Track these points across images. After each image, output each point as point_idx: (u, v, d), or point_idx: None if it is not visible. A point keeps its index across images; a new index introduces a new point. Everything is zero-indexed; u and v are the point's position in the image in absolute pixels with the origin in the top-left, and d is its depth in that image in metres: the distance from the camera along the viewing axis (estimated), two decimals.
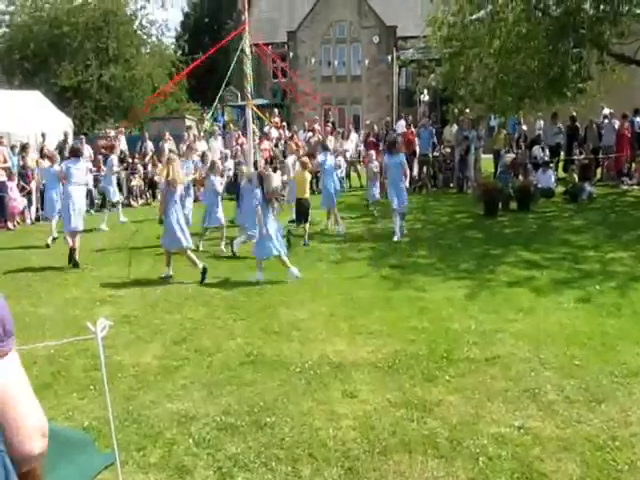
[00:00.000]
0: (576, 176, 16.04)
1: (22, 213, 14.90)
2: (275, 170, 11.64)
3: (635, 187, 16.56)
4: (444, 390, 4.89)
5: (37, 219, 15.04)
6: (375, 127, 19.82)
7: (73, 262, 9.80)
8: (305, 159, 11.68)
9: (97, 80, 30.01)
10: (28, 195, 15.06)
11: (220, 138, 18.45)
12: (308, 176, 11.41)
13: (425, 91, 29.32)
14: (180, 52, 35.27)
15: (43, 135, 17.54)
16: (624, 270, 8.52)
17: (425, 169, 18.04)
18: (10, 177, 14.54)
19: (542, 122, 19.77)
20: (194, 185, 12.78)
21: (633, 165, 17.70)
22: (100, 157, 17.33)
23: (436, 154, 18.20)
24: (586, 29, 14.54)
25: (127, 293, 8.20)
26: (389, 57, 35.89)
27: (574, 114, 18.20)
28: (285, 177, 12.16)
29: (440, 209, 14.90)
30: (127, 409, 4.71)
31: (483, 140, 17.79)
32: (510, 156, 16.03)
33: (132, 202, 17.82)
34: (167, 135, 18.80)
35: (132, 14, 32.55)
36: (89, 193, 16.21)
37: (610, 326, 6.26)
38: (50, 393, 4.96)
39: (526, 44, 14.95)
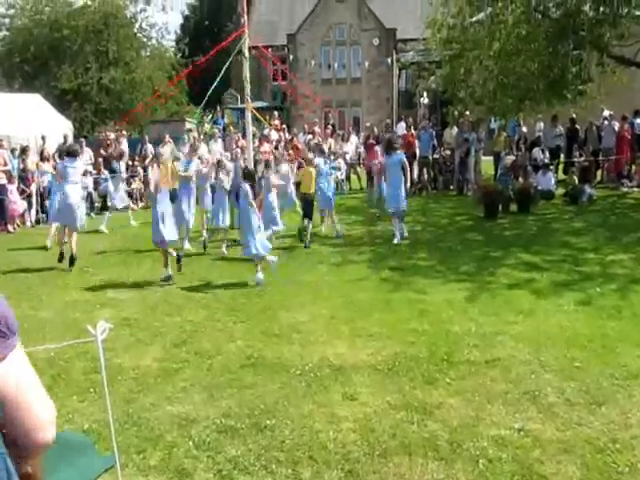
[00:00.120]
0: (576, 178, 16.04)
1: (22, 216, 14.89)
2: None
3: (635, 189, 16.54)
4: (444, 392, 4.89)
5: (37, 222, 15.03)
6: (375, 129, 19.82)
7: (66, 259, 9.80)
8: (310, 155, 11.71)
9: (97, 83, 30.03)
10: (28, 198, 15.05)
11: (220, 141, 18.42)
12: (313, 171, 11.44)
13: (425, 94, 29.36)
14: (180, 55, 35.29)
15: (43, 138, 17.53)
16: (624, 272, 8.52)
17: (425, 171, 18.03)
18: (10, 180, 14.54)
19: (542, 124, 19.77)
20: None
21: (633, 167, 17.68)
22: (101, 160, 17.33)
23: (436, 156, 18.19)
24: (586, 31, 14.56)
25: (127, 296, 8.19)
26: (389, 59, 35.91)
27: (574, 116, 18.21)
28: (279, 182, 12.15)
29: (440, 211, 14.90)
30: (127, 412, 4.71)
31: (483, 142, 17.77)
32: (510, 158, 16.04)
33: (132, 205, 17.80)
34: (167, 138, 18.81)
35: (132, 17, 32.58)
36: (89, 196, 16.24)
37: (610, 328, 6.26)
38: (50, 396, 4.92)
39: (526, 46, 14.96)
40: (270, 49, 28.58)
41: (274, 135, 19.31)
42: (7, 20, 31.34)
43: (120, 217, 14.26)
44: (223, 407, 4.76)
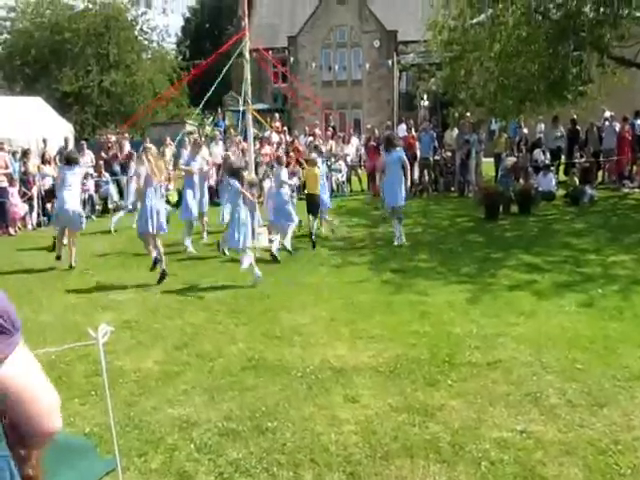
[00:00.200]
0: (577, 179, 16.05)
1: (23, 219, 14.91)
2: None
3: (636, 190, 16.53)
4: (446, 394, 4.88)
5: (38, 224, 15.04)
6: (376, 131, 19.85)
7: (64, 260, 10.00)
8: (314, 155, 11.73)
9: (98, 86, 30.10)
10: (29, 201, 15.07)
11: (221, 143, 18.45)
12: (318, 172, 11.45)
13: (425, 96, 29.36)
14: (181, 58, 35.34)
15: (44, 141, 17.57)
16: (626, 273, 8.50)
17: (426, 173, 18.04)
18: (11, 183, 14.56)
19: (543, 125, 19.79)
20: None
21: (634, 168, 17.70)
22: (101, 163, 17.35)
23: (437, 158, 18.20)
24: (586, 32, 14.57)
25: (128, 298, 8.19)
26: (390, 61, 35.94)
27: (575, 117, 18.22)
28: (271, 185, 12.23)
29: (441, 213, 14.90)
30: (128, 415, 4.70)
31: (484, 144, 17.77)
32: (511, 159, 16.05)
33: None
34: (168, 140, 18.83)
35: (133, 20, 32.67)
36: (90, 198, 16.25)
37: (612, 329, 6.25)
38: None
39: (526, 47, 14.97)
40: (271, 51, 28.59)
41: (275, 137, 19.33)
42: (8, 23, 31.44)
43: (121, 219, 14.25)
44: (224, 410, 4.76)
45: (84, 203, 15.41)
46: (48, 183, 15.13)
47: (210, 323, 6.99)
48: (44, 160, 15.84)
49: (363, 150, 20.08)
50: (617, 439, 4.09)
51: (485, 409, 4.60)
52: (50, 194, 13.95)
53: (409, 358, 5.65)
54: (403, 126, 21.01)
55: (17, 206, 14.58)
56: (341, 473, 3.83)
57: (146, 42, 33.74)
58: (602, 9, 14.31)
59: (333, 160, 18.72)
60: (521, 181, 15.50)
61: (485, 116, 18.73)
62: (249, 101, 11.86)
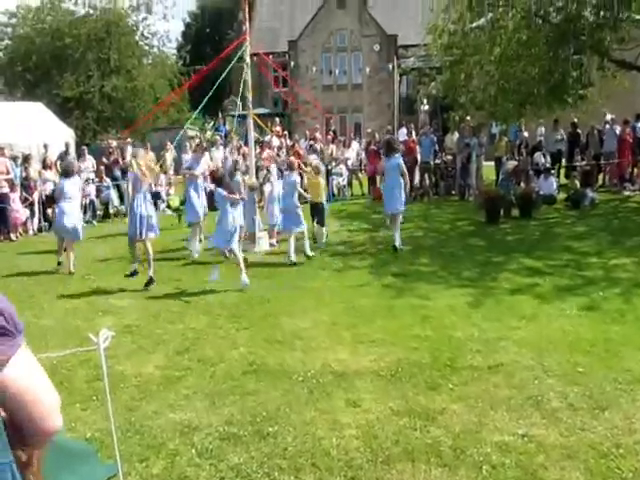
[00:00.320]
0: (578, 182, 16.04)
1: (24, 224, 14.93)
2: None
3: (637, 193, 16.54)
4: (447, 398, 4.87)
5: (40, 230, 15.06)
6: (377, 135, 19.86)
7: (64, 265, 10.22)
8: (318, 163, 11.72)
9: (99, 91, 30.12)
10: (30, 206, 15.09)
11: (222, 148, 18.46)
12: (322, 180, 11.43)
13: (425, 100, 29.38)
14: (181, 63, 35.37)
15: (45, 146, 17.58)
16: (627, 276, 8.50)
17: (427, 177, 18.04)
18: (12, 188, 14.59)
19: (543, 129, 19.78)
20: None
21: (635, 171, 17.70)
22: (102, 168, 17.37)
23: (437, 162, 18.20)
24: (586, 35, 14.58)
25: (129, 303, 8.20)
26: (390, 65, 35.97)
27: (575, 120, 18.22)
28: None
29: (442, 217, 14.89)
30: (129, 420, 4.70)
31: (484, 147, 17.78)
32: (512, 163, 16.05)
33: None
34: (168, 145, 18.85)
35: (134, 25, 32.71)
36: (91, 203, 16.28)
37: (614, 333, 6.25)
38: None
39: (526, 51, 14.99)
40: (271, 56, 28.61)
41: (275, 142, 19.35)
42: (9, 29, 31.47)
43: (120, 223, 14.27)
44: (225, 414, 4.76)
45: (85, 208, 15.47)
46: (49, 188, 15.14)
47: (211, 328, 6.99)
48: (45, 165, 15.86)
49: (364, 154, 20.10)
50: (619, 443, 4.08)
51: (486, 413, 4.59)
52: (51, 199, 13.96)
53: (410, 362, 5.65)
54: (403, 130, 21.01)
55: (18, 211, 14.60)
56: (342, 477, 3.83)
57: (147, 47, 33.77)
58: (602, 12, 14.31)
59: (334, 164, 18.75)
60: (522, 184, 15.49)
61: (486, 120, 18.74)
62: (249, 105, 11.88)
